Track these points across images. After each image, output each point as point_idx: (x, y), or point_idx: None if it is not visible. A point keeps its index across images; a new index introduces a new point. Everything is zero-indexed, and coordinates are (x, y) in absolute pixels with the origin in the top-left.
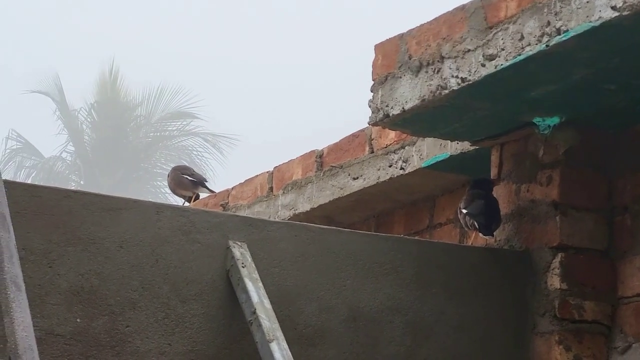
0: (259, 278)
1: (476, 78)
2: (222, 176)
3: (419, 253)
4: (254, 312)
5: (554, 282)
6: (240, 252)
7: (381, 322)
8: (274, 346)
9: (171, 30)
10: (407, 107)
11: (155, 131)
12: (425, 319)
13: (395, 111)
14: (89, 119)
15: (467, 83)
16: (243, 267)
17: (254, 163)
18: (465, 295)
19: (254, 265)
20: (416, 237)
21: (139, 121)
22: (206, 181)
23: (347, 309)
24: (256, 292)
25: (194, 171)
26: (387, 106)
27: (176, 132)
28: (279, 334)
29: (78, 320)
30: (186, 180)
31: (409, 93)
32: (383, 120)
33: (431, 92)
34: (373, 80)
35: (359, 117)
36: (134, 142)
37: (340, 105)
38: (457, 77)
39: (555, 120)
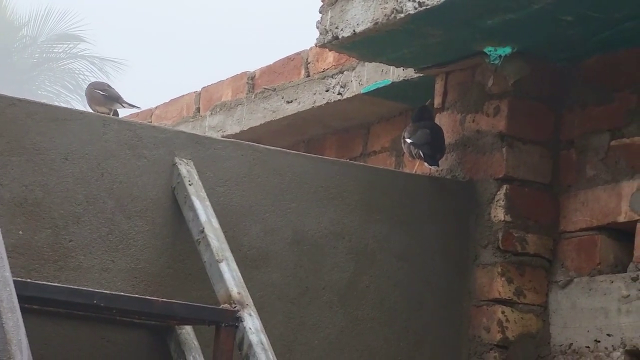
0: (206, 196)
1: (435, 3)
2: None
3: (365, 179)
4: (202, 231)
5: (498, 213)
6: (186, 169)
7: (325, 247)
8: (223, 267)
9: None
10: (358, 30)
11: (41, 52)
12: (368, 245)
13: (346, 34)
14: None
15: (425, 7)
16: (190, 184)
17: (142, 89)
18: (408, 223)
19: (200, 183)
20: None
21: (24, 41)
22: (121, 98)
23: (291, 232)
24: (204, 211)
25: (108, 86)
26: (336, 28)
27: (62, 54)
28: (229, 254)
29: (20, 232)
30: (98, 95)
31: (362, 16)
32: (331, 42)
33: (385, 15)
34: (322, 1)
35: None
36: (19, 62)
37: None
38: (414, 1)
39: (506, 50)
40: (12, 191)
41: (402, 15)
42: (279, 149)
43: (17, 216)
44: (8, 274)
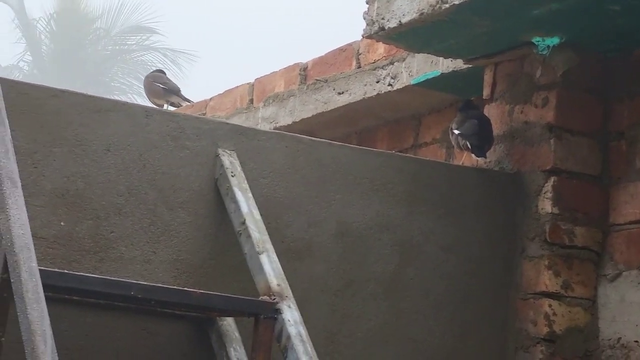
0: (248, 188)
1: None
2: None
3: (410, 170)
4: (244, 223)
5: (546, 206)
6: (229, 160)
7: (370, 239)
8: (263, 258)
9: None
10: (404, 20)
11: (114, 45)
12: (414, 237)
13: (392, 24)
14: (47, 29)
15: None
16: (232, 176)
17: (213, 80)
18: (455, 215)
19: (243, 174)
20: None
21: (98, 34)
22: (180, 91)
23: (335, 224)
24: (246, 202)
25: (167, 79)
26: (383, 19)
27: (135, 46)
28: (269, 246)
29: (62, 223)
30: (158, 88)
31: (407, 6)
32: (378, 33)
33: (431, 5)
34: None
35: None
36: (93, 54)
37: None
38: None
39: (555, 40)
40: (54, 182)
41: (448, 5)
42: (323, 140)
43: (58, 207)
44: (34, 264)
